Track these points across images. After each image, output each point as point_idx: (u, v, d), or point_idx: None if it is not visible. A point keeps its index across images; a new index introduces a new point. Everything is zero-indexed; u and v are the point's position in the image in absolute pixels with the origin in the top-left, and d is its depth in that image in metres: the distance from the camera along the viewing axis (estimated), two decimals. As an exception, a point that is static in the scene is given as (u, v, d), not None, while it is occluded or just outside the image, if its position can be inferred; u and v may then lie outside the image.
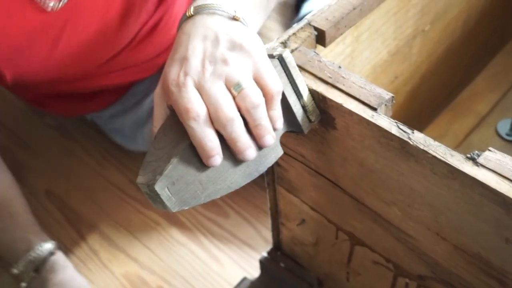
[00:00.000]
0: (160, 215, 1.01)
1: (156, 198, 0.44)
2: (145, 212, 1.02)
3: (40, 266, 0.84)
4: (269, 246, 0.81)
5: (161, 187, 0.43)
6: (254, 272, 0.90)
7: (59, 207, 1.04)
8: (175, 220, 1.00)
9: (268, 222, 0.97)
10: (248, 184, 0.89)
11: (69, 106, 1.03)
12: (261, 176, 0.50)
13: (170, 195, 0.44)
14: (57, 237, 0.99)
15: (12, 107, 1.23)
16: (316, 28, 0.56)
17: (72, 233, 1.00)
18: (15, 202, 0.87)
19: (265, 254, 0.79)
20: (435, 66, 0.89)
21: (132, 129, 1.03)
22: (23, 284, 0.84)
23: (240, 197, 1.01)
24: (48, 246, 0.85)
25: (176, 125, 0.46)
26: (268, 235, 0.96)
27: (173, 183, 0.44)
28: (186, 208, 0.45)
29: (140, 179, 0.45)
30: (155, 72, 0.97)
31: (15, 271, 0.83)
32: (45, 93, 1.00)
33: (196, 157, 0.44)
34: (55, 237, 0.98)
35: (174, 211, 0.45)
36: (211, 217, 1.00)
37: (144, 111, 1.00)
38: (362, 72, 0.71)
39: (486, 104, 0.99)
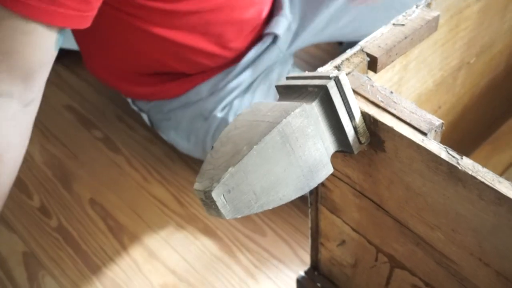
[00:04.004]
0: (199, 230, 1.04)
1: (211, 205, 0.46)
2: (186, 226, 1.04)
3: None
4: (304, 266, 0.82)
5: (217, 194, 0.46)
6: (288, 291, 0.92)
7: (102, 217, 1.07)
8: (213, 235, 1.03)
9: (304, 242, 0.99)
10: (286, 205, 0.92)
11: (148, 88, 1.05)
12: (299, 198, 0.52)
13: (225, 202, 0.46)
14: (100, 245, 1.02)
15: (63, 120, 1.28)
16: (368, 55, 0.58)
17: (114, 242, 1.02)
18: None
19: (302, 273, 0.80)
20: (477, 98, 0.90)
21: (189, 123, 1.05)
22: None
23: (278, 217, 1.03)
24: None
25: (234, 137, 0.48)
26: (304, 255, 0.98)
27: (229, 191, 0.46)
28: (238, 216, 0.47)
29: (197, 186, 0.47)
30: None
31: None
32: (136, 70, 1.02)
33: (252, 168, 0.46)
34: (97, 245, 1.02)
35: (227, 219, 0.47)
36: (248, 234, 1.02)
37: (206, 107, 1.03)
38: (408, 99, 0.73)
39: (527, 139, 1.00)
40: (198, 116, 1.04)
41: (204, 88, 1.03)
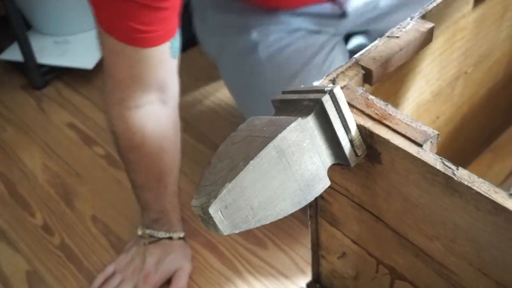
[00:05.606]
0: (200, 244, 1.04)
1: (209, 220, 0.47)
2: (187, 241, 1.04)
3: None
4: (306, 278, 0.82)
5: (214, 210, 0.46)
6: (291, 304, 0.91)
7: (104, 233, 1.07)
8: (215, 249, 1.03)
9: (306, 254, 0.99)
10: (287, 217, 0.92)
11: None
12: (301, 210, 0.52)
13: (223, 218, 0.46)
14: (102, 262, 1.02)
15: (65, 138, 1.29)
16: (363, 67, 0.59)
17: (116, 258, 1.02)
18: (174, 177, 0.97)
19: (304, 286, 0.80)
20: (476, 107, 0.90)
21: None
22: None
23: (279, 229, 1.03)
24: (174, 235, 0.99)
25: (231, 153, 0.48)
26: (306, 267, 0.97)
27: (226, 207, 0.46)
28: (236, 231, 0.48)
29: (194, 202, 0.47)
30: None
31: (139, 232, 0.99)
32: None
33: (249, 183, 0.47)
34: (100, 262, 1.02)
35: (225, 234, 0.47)
36: (250, 247, 1.02)
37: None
38: (406, 111, 0.73)
39: (527, 146, 1.00)
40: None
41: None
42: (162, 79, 0.88)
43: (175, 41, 0.86)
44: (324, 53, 1.03)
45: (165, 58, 0.86)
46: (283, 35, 1.02)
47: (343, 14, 1.03)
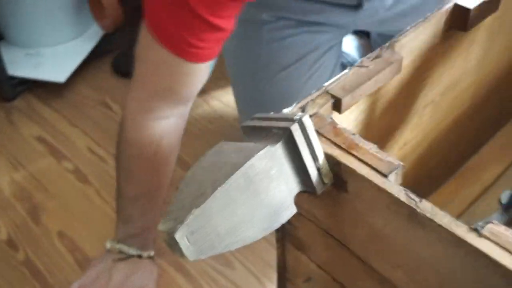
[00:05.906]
0: (168, 263, 1.03)
1: (175, 246, 0.47)
2: (155, 260, 1.03)
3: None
4: (273, 301, 0.82)
5: (180, 236, 0.46)
6: (257, 326, 0.91)
7: (70, 250, 1.06)
8: (182, 269, 1.02)
9: (274, 276, 0.99)
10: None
11: None
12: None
13: (189, 244, 0.46)
14: (67, 279, 1.01)
15: (34, 152, 1.27)
16: (333, 96, 0.60)
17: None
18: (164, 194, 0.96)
19: (270, 308, 0.80)
20: (443, 135, 0.92)
21: None
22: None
23: (247, 250, 1.03)
24: (145, 254, 0.97)
25: (199, 178, 0.49)
26: (273, 290, 0.98)
27: (192, 233, 0.46)
28: (203, 257, 0.48)
29: (161, 227, 0.47)
30: None
31: (109, 246, 0.96)
32: None
33: (216, 210, 0.47)
34: (64, 279, 1.01)
35: (191, 260, 0.47)
36: (217, 267, 1.02)
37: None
38: (374, 138, 0.74)
39: (491, 174, 1.02)
40: None
41: None
42: (191, 94, 0.87)
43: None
44: (318, 52, 1.04)
45: (203, 76, 0.85)
46: (291, 23, 1.02)
47: (359, 5, 1.02)
